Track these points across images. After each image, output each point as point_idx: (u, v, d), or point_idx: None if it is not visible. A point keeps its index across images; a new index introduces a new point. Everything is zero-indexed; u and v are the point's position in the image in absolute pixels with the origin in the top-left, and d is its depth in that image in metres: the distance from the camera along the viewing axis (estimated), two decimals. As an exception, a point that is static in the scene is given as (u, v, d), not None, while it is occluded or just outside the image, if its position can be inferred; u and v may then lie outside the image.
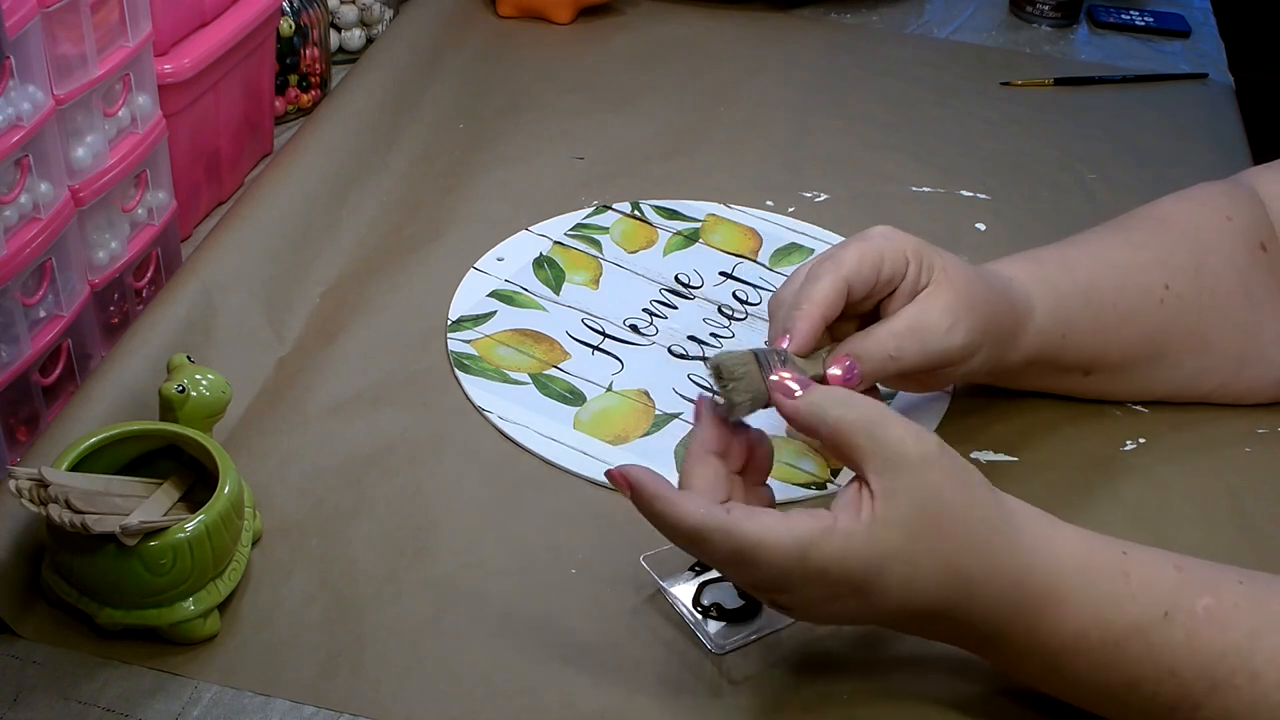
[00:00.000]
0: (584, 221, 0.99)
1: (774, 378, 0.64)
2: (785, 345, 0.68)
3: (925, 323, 0.71)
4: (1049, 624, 0.60)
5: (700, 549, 0.60)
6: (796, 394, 0.63)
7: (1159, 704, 0.60)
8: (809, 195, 1.04)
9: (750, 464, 0.66)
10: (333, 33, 1.19)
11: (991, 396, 0.84)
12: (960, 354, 0.73)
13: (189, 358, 0.72)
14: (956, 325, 0.71)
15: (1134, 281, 0.80)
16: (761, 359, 0.66)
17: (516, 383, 0.84)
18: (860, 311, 0.73)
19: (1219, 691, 0.59)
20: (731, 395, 0.64)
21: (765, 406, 0.65)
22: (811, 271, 0.71)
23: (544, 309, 0.90)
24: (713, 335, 0.89)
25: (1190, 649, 0.59)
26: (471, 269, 0.93)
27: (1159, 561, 0.62)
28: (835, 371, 0.69)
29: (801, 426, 0.63)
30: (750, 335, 0.89)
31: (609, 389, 0.84)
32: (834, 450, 0.61)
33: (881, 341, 0.70)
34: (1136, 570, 0.61)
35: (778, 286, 0.92)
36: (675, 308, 0.91)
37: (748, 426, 0.66)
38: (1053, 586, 0.60)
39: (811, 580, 0.59)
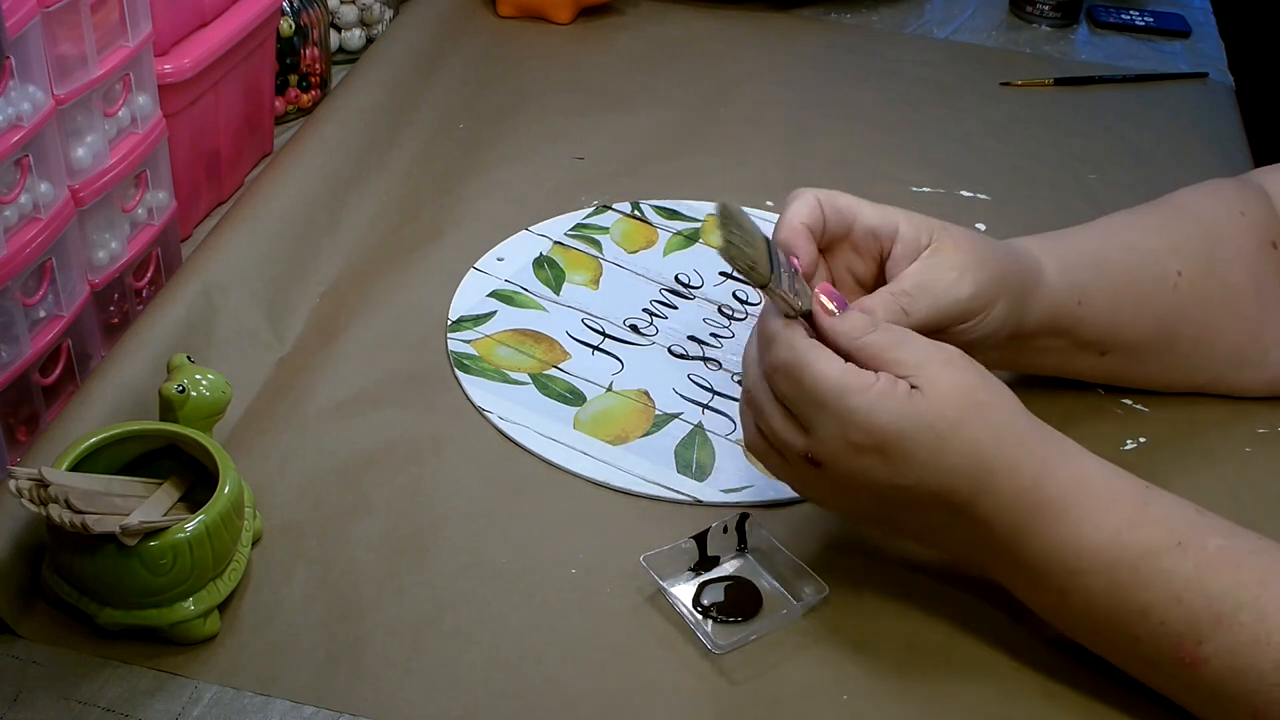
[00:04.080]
0: (584, 221, 0.99)
1: (816, 294, 0.66)
2: (796, 265, 0.68)
3: (932, 277, 0.71)
4: (1066, 534, 0.62)
5: (766, 349, 0.66)
6: (833, 311, 0.66)
7: (1166, 634, 0.61)
8: (809, 195, 1.04)
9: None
10: (333, 33, 1.19)
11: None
12: (971, 305, 0.71)
13: (189, 358, 0.72)
14: (964, 276, 0.71)
15: (1146, 263, 0.79)
16: (774, 251, 0.65)
17: (516, 383, 0.84)
18: (858, 271, 0.73)
19: (1224, 625, 0.60)
20: (731, 242, 0.63)
21: (758, 286, 0.64)
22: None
23: (544, 309, 0.90)
24: (713, 335, 0.89)
25: (1199, 578, 0.61)
26: (471, 269, 0.93)
27: (1180, 502, 0.64)
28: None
29: (838, 345, 0.65)
30: (750, 335, 0.88)
31: (609, 389, 0.84)
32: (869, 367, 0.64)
33: (892, 299, 0.70)
34: (1156, 502, 0.64)
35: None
36: (675, 308, 0.91)
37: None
38: (1072, 499, 0.62)
39: (841, 421, 0.62)
